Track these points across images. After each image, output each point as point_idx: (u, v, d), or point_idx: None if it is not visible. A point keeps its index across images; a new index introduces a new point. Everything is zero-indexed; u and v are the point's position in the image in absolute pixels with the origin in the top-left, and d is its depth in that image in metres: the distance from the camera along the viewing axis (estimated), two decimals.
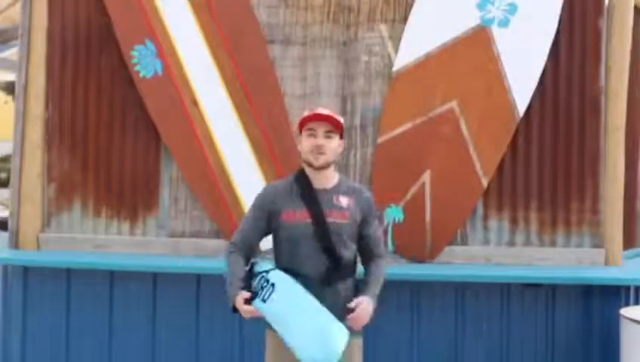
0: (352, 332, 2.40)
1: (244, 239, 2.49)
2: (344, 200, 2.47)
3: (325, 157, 2.44)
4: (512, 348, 3.67)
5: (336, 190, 2.49)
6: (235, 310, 2.39)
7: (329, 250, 2.40)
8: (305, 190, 2.46)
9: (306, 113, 2.50)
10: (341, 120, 2.49)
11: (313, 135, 2.44)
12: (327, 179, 2.49)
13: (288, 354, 2.38)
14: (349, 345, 2.41)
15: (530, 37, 3.69)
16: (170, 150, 3.82)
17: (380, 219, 3.70)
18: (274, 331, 2.41)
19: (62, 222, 3.90)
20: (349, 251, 2.46)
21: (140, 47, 3.78)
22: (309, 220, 2.42)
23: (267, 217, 2.48)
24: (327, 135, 2.45)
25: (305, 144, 2.47)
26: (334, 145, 2.47)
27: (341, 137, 2.51)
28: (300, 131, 2.50)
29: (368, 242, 2.54)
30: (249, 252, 2.50)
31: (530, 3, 3.71)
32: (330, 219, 2.42)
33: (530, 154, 3.79)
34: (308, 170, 2.49)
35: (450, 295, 3.68)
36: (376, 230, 2.57)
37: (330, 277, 2.41)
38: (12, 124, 3.92)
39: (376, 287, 2.50)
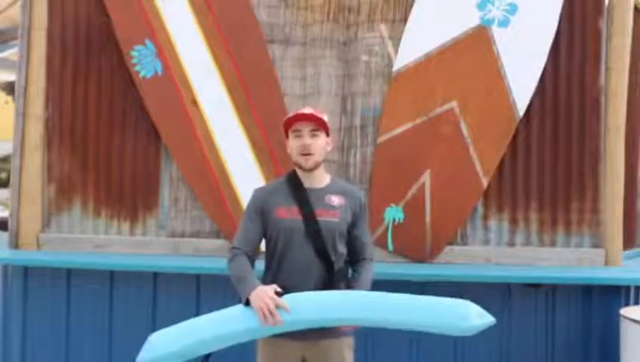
0: (342, 332, 2.41)
1: (244, 242, 2.45)
2: (335, 200, 2.47)
3: (314, 157, 2.43)
4: (512, 348, 3.67)
5: (328, 189, 2.49)
6: (247, 303, 2.28)
7: (320, 249, 2.39)
8: (296, 189, 2.46)
9: (289, 115, 2.48)
10: (324, 117, 2.46)
11: (299, 135, 2.43)
12: (317, 179, 2.49)
13: (281, 356, 2.39)
14: (339, 344, 2.42)
15: (530, 37, 3.69)
16: (170, 150, 3.82)
17: (380, 219, 3.71)
18: (267, 339, 2.39)
19: (62, 222, 3.90)
20: (340, 250, 2.46)
21: (140, 47, 3.78)
22: (299, 218, 2.41)
23: (261, 215, 2.46)
24: (313, 133, 2.43)
25: (292, 146, 2.46)
26: (321, 143, 2.45)
27: (327, 135, 2.50)
28: (287, 135, 2.50)
29: (357, 243, 2.52)
30: (252, 254, 2.46)
31: (530, 3, 3.71)
32: (321, 218, 2.41)
33: (530, 155, 3.79)
34: (299, 172, 2.49)
35: (450, 295, 3.66)
36: (365, 232, 2.55)
37: (322, 278, 2.40)
38: (12, 124, 3.93)
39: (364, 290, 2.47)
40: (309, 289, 2.34)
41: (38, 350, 3.78)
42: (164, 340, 2.33)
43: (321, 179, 2.50)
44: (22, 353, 3.79)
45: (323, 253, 2.40)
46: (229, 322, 2.31)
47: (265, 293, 2.24)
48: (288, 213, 2.42)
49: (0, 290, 3.90)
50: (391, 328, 2.35)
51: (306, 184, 2.47)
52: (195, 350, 2.32)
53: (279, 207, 2.44)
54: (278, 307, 2.22)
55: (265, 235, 2.49)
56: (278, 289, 2.27)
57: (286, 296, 2.26)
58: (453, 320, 2.26)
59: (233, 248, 2.45)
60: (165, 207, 3.88)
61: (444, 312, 2.27)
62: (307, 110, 2.47)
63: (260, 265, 2.50)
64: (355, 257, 2.54)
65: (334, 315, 2.27)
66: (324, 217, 2.42)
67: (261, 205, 2.46)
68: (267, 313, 2.20)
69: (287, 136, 2.50)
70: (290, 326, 2.25)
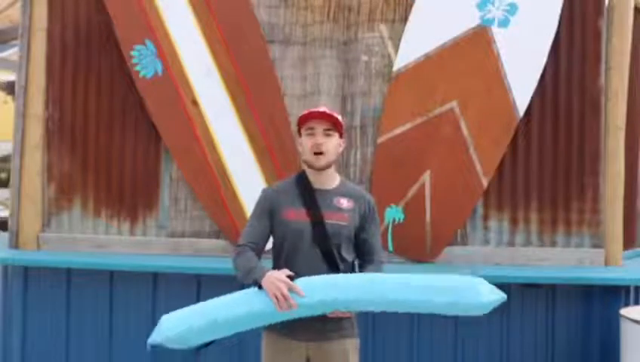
0: (347, 333, 2.41)
1: (250, 239, 2.43)
2: (344, 202, 2.44)
3: (326, 157, 2.40)
4: (512, 348, 3.67)
5: (337, 191, 2.46)
6: (260, 287, 2.26)
7: (327, 252, 2.39)
8: (305, 190, 2.44)
9: (304, 112, 2.47)
10: (340, 118, 2.44)
11: (312, 134, 2.41)
12: (327, 180, 2.46)
13: (286, 357, 2.38)
14: (344, 345, 2.41)
15: (530, 37, 3.69)
16: (170, 150, 3.83)
17: (380, 219, 3.70)
18: (271, 333, 2.40)
19: (62, 222, 3.90)
20: (347, 254, 2.44)
21: (140, 47, 3.78)
22: (307, 220, 2.39)
23: (269, 215, 2.44)
24: (327, 133, 2.40)
25: (305, 144, 2.43)
26: (334, 143, 2.43)
27: (341, 136, 2.48)
28: (299, 132, 2.48)
29: (365, 247, 2.49)
30: (258, 252, 2.44)
31: (530, 3, 3.71)
32: (328, 221, 2.39)
33: (530, 154, 3.79)
34: (308, 171, 2.47)
35: None
36: (374, 235, 2.52)
37: None
38: (12, 124, 3.93)
39: None
40: None
41: (38, 350, 3.78)
42: (175, 321, 2.32)
43: (331, 180, 2.47)
44: (22, 353, 3.79)
45: (329, 256, 2.38)
46: (242, 305, 2.28)
47: (276, 278, 2.22)
48: (296, 215, 2.40)
49: (0, 290, 3.90)
50: (401, 310, 2.29)
51: (316, 185, 2.44)
52: (206, 332, 2.30)
53: (287, 208, 2.42)
54: (291, 290, 2.20)
55: (272, 235, 2.47)
56: (290, 273, 2.25)
57: (298, 280, 2.24)
58: (466, 297, 2.24)
59: (239, 245, 2.43)
60: (165, 207, 3.88)
61: (456, 290, 2.24)
62: (322, 108, 2.45)
63: (267, 264, 2.48)
64: (363, 261, 2.51)
65: (347, 296, 2.23)
66: (332, 220, 2.39)
67: (269, 205, 2.44)
68: (281, 297, 2.19)
69: (299, 134, 2.47)
70: (304, 310, 2.23)
